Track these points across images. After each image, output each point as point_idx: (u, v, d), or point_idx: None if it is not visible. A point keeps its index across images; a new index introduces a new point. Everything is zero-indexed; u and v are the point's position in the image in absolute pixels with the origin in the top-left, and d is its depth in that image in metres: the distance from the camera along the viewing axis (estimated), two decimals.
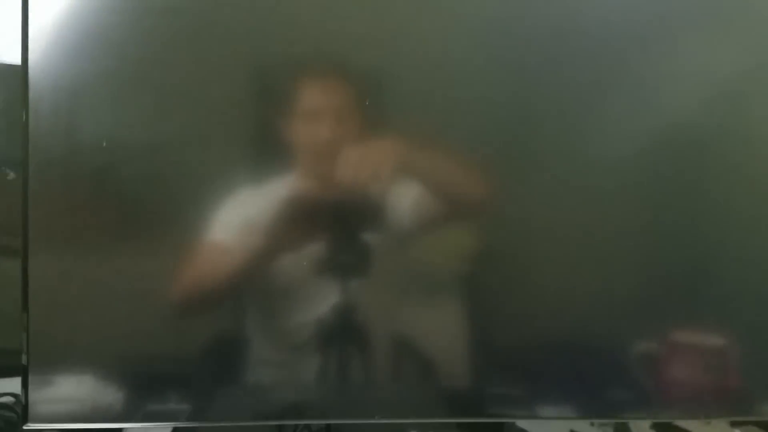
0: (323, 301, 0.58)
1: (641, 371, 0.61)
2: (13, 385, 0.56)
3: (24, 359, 0.55)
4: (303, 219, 0.57)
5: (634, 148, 0.59)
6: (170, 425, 0.57)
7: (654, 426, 0.61)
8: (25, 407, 0.55)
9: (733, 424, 0.62)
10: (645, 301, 0.61)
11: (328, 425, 0.58)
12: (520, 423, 0.60)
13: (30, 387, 0.55)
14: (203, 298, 0.57)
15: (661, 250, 0.60)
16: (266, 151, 0.57)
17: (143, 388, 0.57)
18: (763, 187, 0.60)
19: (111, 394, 0.56)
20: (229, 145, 0.57)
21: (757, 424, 0.62)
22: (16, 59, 0.54)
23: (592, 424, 0.61)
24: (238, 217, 0.57)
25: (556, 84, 0.58)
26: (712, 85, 0.59)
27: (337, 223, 0.58)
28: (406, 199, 0.57)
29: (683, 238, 0.60)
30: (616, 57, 0.58)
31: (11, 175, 0.54)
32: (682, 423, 0.62)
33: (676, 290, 0.61)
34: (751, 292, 0.61)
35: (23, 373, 0.55)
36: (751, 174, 0.61)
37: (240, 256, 0.57)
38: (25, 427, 0.55)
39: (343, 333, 0.58)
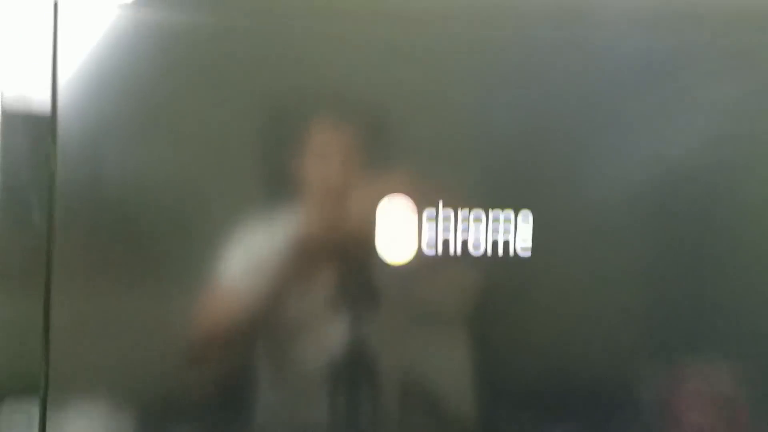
0: (332, 338, 0.58)
1: (646, 414, 0.60)
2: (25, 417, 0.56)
3: (42, 395, 0.56)
4: (314, 256, 0.58)
5: (642, 186, 0.60)
6: None
7: None
8: None
9: None
10: (651, 343, 0.60)
11: None
12: None
13: (48, 423, 0.56)
14: (218, 340, 0.58)
15: (668, 290, 0.60)
16: (278, 188, 0.59)
17: (158, 428, 0.58)
18: None
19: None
20: (244, 184, 0.59)
21: None
22: (43, 110, 0.57)
23: None
24: (251, 255, 0.58)
25: (559, 124, 0.60)
26: (719, 124, 0.61)
27: (345, 260, 0.59)
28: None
29: (691, 278, 0.60)
30: (621, 97, 0.60)
31: (37, 219, 0.56)
32: None
33: (683, 333, 0.60)
34: (762, 334, 0.61)
35: (41, 410, 0.56)
36: (760, 212, 0.61)
37: (253, 296, 0.58)
38: None
39: (353, 371, 0.59)
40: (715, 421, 0.61)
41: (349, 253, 0.59)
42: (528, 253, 0.58)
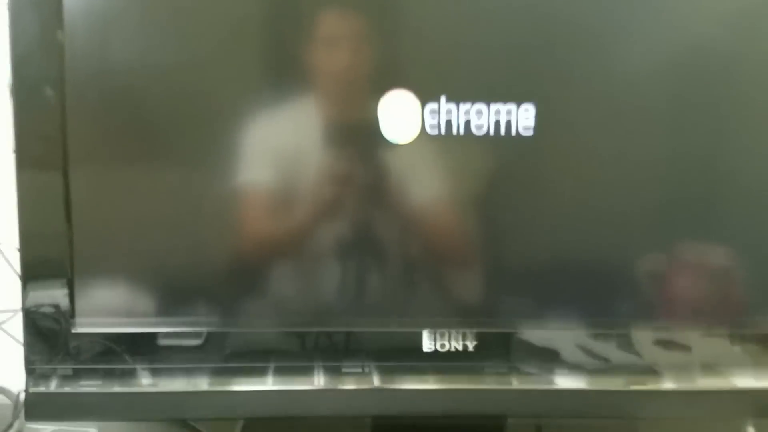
0: (342, 215, 0.61)
1: (646, 286, 0.64)
2: (51, 297, 0.60)
3: (69, 271, 0.59)
4: (323, 141, 0.60)
5: (652, 67, 0.60)
6: (202, 330, 0.62)
7: (657, 342, 0.64)
8: (72, 313, 0.60)
9: (733, 342, 0.65)
10: (654, 218, 0.63)
11: (348, 333, 0.62)
12: (527, 336, 0.64)
13: (75, 296, 0.60)
14: (236, 220, 0.62)
15: (673, 168, 0.62)
16: (287, 75, 0.60)
17: (176, 300, 0.62)
18: None
19: (146, 305, 0.61)
20: (253, 68, 0.60)
21: (755, 338, 0.65)
22: None
23: (596, 337, 0.64)
24: (263, 142, 0.60)
25: (563, 14, 0.59)
26: (735, 4, 0.60)
27: (355, 144, 0.61)
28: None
29: (696, 157, 0.62)
30: None
31: (50, 94, 0.57)
32: (683, 339, 0.65)
33: (686, 208, 0.63)
34: (760, 211, 0.63)
35: (69, 283, 0.60)
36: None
37: (267, 180, 0.61)
38: (73, 331, 0.60)
39: (363, 248, 0.62)
40: (710, 298, 0.65)
41: (354, 135, 0.60)
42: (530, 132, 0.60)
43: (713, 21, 0.60)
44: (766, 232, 0.64)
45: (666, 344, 0.65)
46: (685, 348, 0.65)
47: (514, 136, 0.60)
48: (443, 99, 0.59)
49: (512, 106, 0.59)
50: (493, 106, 0.59)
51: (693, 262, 0.64)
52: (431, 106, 0.59)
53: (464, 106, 0.59)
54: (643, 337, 0.64)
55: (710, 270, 0.64)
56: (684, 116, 0.61)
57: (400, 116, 0.59)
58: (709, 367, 0.65)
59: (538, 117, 0.59)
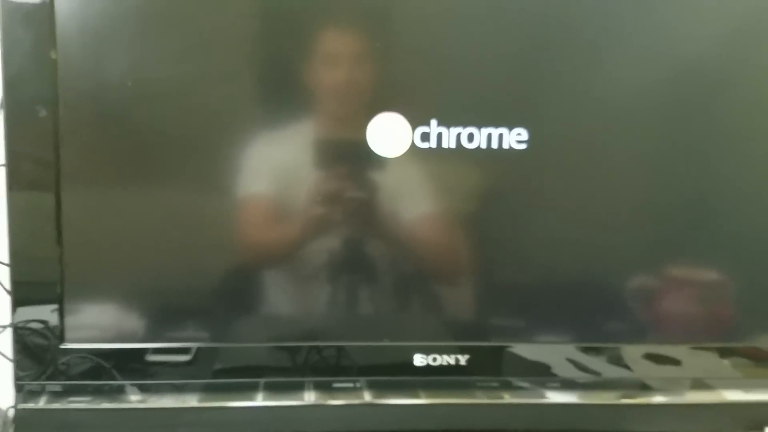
0: (335, 232, 0.61)
1: (636, 302, 0.65)
2: (41, 313, 0.60)
3: (58, 288, 0.59)
4: (319, 158, 0.61)
5: (642, 86, 0.61)
6: (192, 346, 0.61)
7: (646, 356, 0.65)
8: (62, 330, 0.60)
9: (722, 356, 0.66)
10: (645, 235, 0.64)
11: (338, 348, 0.63)
12: (519, 350, 0.64)
13: (65, 312, 0.60)
14: (230, 237, 0.61)
15: (662, 188, 0.63)
16: (285, 93, 0.60)
17: (165, 317, 0.62)
18: None
19: (135, 322, 0.61)
20: (249, 86, 0.60)
21: (744, 353, 0.66)
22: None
23: (587, 352, 0.65)
24: (259, 161, 0.60)
25: (565, 21, 0.60)
26: (727, 20, 0.61)
27: (348, 160, 0.61)
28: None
29: (685, 176, 0.63)
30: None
31: (43, 113, 0.57)
32: (673, 353, 0.65)
33: (675, 227, 0.64)
34: (749, 229, 0.64)
35: (59, 301, 0.59)
36: (759, 113, 0.63)
37: (261, 195, 0.61)
38: (62, 347, 0.60)
39: (354, 263, 0.62)
40: (699, 313, 0.66)
41: (346, 155, 0.61)
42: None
43: (703, 46, 0.61)
44: (754, 249, 0.65)
45: (656, 358, 0.65)
46: (675, 362, 0.65)
47: (506, 158, 0.60)
48: (434, 122, 0.59)
49: (504, 130, 0.60)
50: (485, 130, 0.60)
51: (682, 278, 0.65)
52: (422, 129, 0.59)
53: (455, 130, 0.59)
54: (634, 351, 0.65)
55: (699, 286, 0.65)
56: (675, 138, 0.62)
57: (391, 138, 0.59)
58: (699, 381, 0.66)
59: (531, 140, 0.60)
